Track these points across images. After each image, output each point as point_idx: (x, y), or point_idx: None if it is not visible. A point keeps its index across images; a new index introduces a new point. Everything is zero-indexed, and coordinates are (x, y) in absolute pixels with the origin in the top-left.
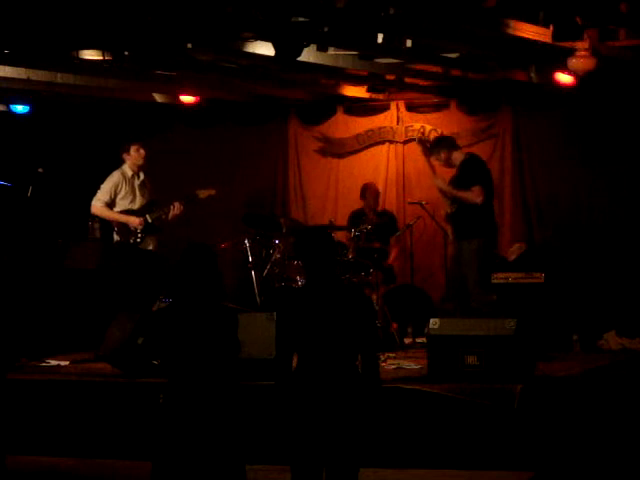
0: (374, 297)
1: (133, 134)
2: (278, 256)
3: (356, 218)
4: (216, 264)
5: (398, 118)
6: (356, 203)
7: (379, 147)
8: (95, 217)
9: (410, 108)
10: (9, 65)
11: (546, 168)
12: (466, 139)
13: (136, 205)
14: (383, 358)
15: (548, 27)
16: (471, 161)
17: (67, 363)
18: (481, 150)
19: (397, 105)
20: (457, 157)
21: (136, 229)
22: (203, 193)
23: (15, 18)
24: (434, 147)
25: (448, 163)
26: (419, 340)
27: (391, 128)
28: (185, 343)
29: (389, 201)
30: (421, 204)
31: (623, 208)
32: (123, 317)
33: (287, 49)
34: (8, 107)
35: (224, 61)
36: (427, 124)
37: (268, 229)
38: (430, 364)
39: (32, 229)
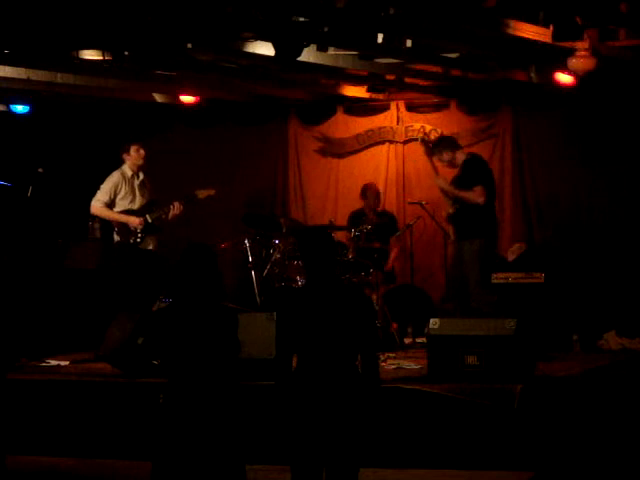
0: (374, 297)
1: (133, 134)
2: (278, 256)
3: (356, 218)
4: (216, 264)
5: (398, 118)
6: (356, 203)
7: (379, 147)
8: (95, 217)
9: (410, 108)
10: (9, 65)
11: (546, 168)
12: (466, 139)
13: (136, 205)
14: (383, 358)
15: (548, 27)
16: (473, 161)
17: (67, 363)
18: (481, 150)
19: (397, 105)
20: (459, 157)
21: (136, 229)
22: (203, 193)
23: (15, 18)
24: (436, 147)
25: (451, 163)
26: (419, 340)
27: (391, 128)
28: (185, 343)
29: (389, 201)
30: (421, 204)
31: (623, 208)
32: (123, 317)
33: (287, 49)
34: (8, 107)
35: (224, 61)
36: (427, 124)
37: (268, 229)
38: (430, 364)
39: (32, 229)
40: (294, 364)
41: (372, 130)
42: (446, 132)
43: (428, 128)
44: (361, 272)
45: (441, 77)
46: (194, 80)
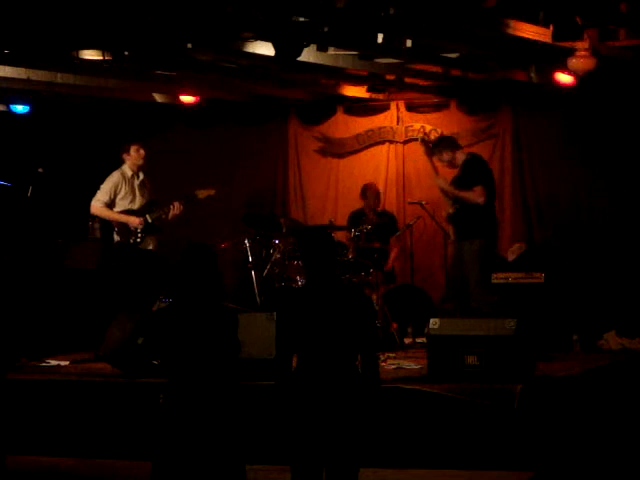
0: (374, 297)
1: (133, 134)
2: (278, 256)
3: (356, 218)
4: (216, 264)
5: (398, 118)
6: (356, 203)
7: (379, 147)
8: (95, 217)
9: (410, 108)
10: (9, 65)
11: (546, 168)
12: (466, 139)
13: (136, 205)
14: (383, 358)
15: (548, 27)
16: (473, 161)
17: (67, 363)
18: (481, 150)
19: (397, 105)
20: (459, 157)
21: (136, 229)
22: (202, 193)
23: (15, 18)
24: (436, 147)
25: (451, 163)
26: (419, 340)
27: (391, 128)
28: (185, 343)
29: (389, 201)
30: (421, 204)
31: (623, 208)
32: (123, 317)
33: (287, 49)
34: (8, 107)
35: (224, 61)
36: (427, 124)
37: (268, 229)
38: (430, 364)
39: (32, 229)
40: (294, 364)
41: (372, 130)
42: (446, 132)
43: (428, 128)
44: (361, 272)
45: (441, 77)
46: (194, 80)
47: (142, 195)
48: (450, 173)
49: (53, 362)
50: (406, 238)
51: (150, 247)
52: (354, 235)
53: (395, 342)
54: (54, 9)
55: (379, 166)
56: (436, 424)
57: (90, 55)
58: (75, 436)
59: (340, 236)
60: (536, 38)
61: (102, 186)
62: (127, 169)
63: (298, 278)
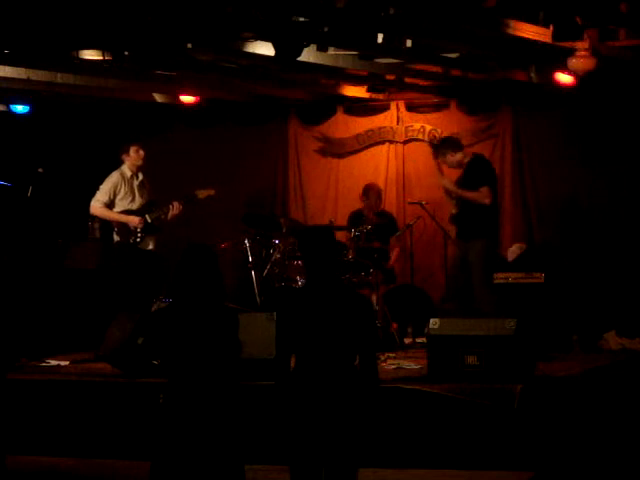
0: (374, 297)
1: (133, 134)
2: (278, 256)
3: (356, 218)
4: (217, 264)
5: (398, 118)
6: (356, 203)
7: (379, 147)
8: (95, 217)
9: (410, 108)
10: (9, 65)
11: (546, 168)
12: (466, 139)
13: (135, 205)
14: (383, 358)
15: (548, 27)
16: (477, 162)
17: (67, 363)
18: (481, 150)
19: (397, 105)
20: (463, 158)
21: (136, 229)
22: (202, 193)
23: (15, 18)
24: (440, 148)
25: (455, 164)
26: (419, 340)
27: (391, 128)
28: (185, 343)
29: (389, 201)
30: (421, 204)
31: (623, 208)
32: (123, 317)
33: (287, 49)
34: (8, 107)
35: (224, 61)
36: (427, 124)
37: (268, 229)
38: (430, 364)
39: (32, 229)
40: (293, 364)
41: (372, 130)
42: (446, 132)
43: (428, 128)
44: (361, 272)
45: (441, 77)
46: (194, 80)
47: (141, 195)
48: (455, 174)
49: (53, 362)
50: (406, 238)
51: (150, 247)
52: (354, 235)
53: (395, 342)
54: (54, 9)
55: (379, 166)
56: (436, 424)
57: (90, 55)
58: (75, 436)
59: (340, 236)
60: (536, 38)
61: (101, 186)
62: (126, 169)
63: (298, 278)
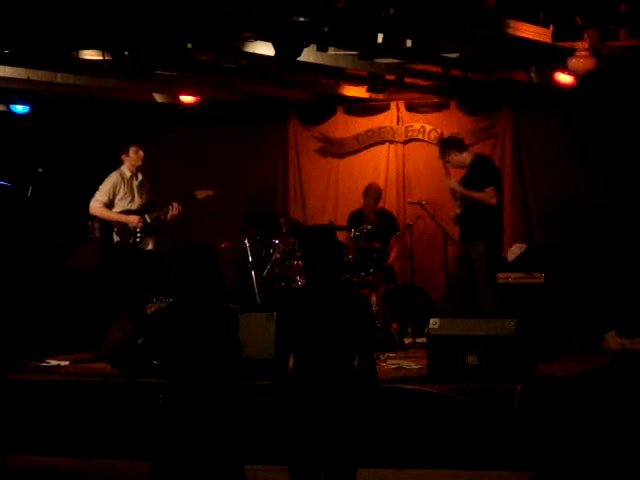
0: (374, 297)
1: (133, 134)
2: (278, 256)
3: (356, 218)
4: (217, 264)
5: (398, 118)
6: (356, 203)
7: (379, 147)
8: (95, 217)
9: (410, 108)
10: (9, 65)
11: (546, 168)
12: (466, 139)
13: (134, 205)
14: (383, 358)
15: (548, 27)
16: (481, 162)
17: (67, 363)
18: (481, 150)
19: (397, 105)
20: (466, 158)
21: (135, 228)
22: (201, 194)
23: (15, 18)
24: (443, 148)
25: (459, 164)
26: (419, 340)
27: (391, 128)
28: (185, 343)
29: (389, 201)
30: (421, 204)
31: (623, 208)
32: (123, 317)
33: (287, 49)
34: (8, 107)
35: (224, 61)
36: (427, 124)
37: (268, 229)
38: (430, 364)
39: (32, 229)
40: (291, 364)
41: (372, 130)
42: (446, 132)
43: (428, 128)
44: (361, 272)
45: (441, 77)
46: (194, 80)
47: (141, 196)
48: (459, 174)
49: (53, 362)
50: (406, 238)
51: (149, 247)
52: (354, 235)
53: (395, 342)
54: (54, 9)
55: (379, 166)
56: (436, 424)
57: (90, 55)
58: (75, 436)
59: (340, 236)
60: (536, 38)
61: (101, 187)
62: (126, 170)
63: (298, 278)
